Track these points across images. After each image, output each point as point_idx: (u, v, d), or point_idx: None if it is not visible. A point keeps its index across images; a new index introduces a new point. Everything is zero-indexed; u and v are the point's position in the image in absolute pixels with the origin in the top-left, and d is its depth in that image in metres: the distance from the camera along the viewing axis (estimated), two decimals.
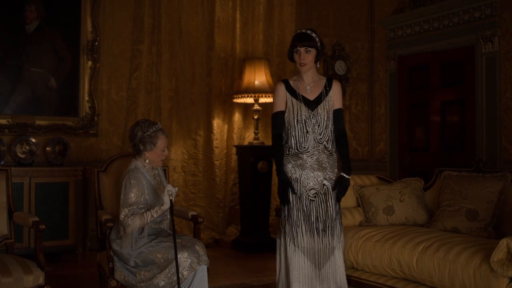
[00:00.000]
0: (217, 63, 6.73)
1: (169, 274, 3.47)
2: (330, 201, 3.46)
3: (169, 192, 3.47)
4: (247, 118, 6.88)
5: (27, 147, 5.81)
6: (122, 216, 3.53)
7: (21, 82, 5.90)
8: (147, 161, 3.71)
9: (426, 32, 6.69)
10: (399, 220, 4.30)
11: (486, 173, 4.05)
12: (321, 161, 3.49)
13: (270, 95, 6.36)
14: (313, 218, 3.44)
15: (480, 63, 6.18)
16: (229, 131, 6.81)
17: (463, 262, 3.21)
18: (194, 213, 4.09)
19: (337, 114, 3.56)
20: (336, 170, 3.52)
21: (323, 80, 3.63)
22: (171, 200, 3.49)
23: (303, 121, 3.51)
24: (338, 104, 3.57)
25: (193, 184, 6.57)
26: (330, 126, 3.52)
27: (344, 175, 3.47)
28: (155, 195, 3.68)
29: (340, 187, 3.48)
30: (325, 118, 3.51)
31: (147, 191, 3.64)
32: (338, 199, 3.50)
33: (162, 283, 3.47)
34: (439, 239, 3.55)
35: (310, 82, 3.62)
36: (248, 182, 6.38)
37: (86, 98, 6.16)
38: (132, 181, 3.58)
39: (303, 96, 3.58)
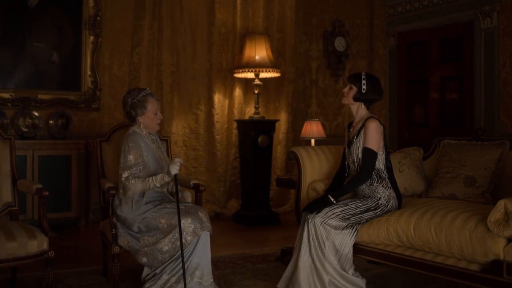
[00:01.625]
0: (217, 39, 6.77)
1: (173, 239, 3.53)
2: (349, 203, 3.67)
3: (176, 166, 3.55)
4: (248, 93, 6.93)
5: (30, 121, 5.85)
6: (124, 178, 3.59)
7: (24, 57, 5.93)
8: (141, 126, 3.77)
9: (425, 8, 6.70)
10: None
11: (485, 141, 4.09)
12: (362, 189, 3.77)
13: (271, 70, 6.40)
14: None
15: (479, 39, 6.20)
16: (230, 106, 6.86)
17: (459, 225, 3.22)
18: (196, 181, 4.15)
19: (363, 153, 3.71)
20: (375, 194, 3.72)
21: (363, 120, 3.79)
22: (175, 175, 3.58)
23: (347, 158, 3.89)
24: (366, 143, 3.70)
25: (194, 158, 6.63)
26: None
27: (330, 197, 3.68)
28: (154, 158, 3.74)
29: (318, 200, 3.75)
30: (356, 158, 3.77)
31: (145, 153, 3.70)
32: (307, 208, 3.70)
33: (166, 247, 3.54)
34: (435, 206, 3.58)
35: (355, 121, 3.88)
36: (248, 156, 6.44)
37: (88, 72, 6.19)
38: (130, 144, 3.65)
39: (348, 135, 3.92)
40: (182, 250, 3.48)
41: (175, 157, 3.60)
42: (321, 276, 3.53)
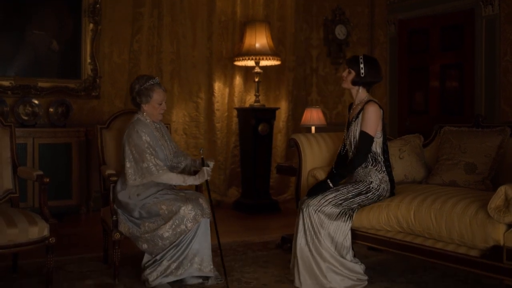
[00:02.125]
0: (217, 27, 6.74)
1: (173, 226, 3.54)
2: (340, 189, 3.67)
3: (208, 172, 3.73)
4: (248, 81, 6.91)
5: (30, 109, 5.84)
6: (147, 161, 3.60)
7: (24, 45, 5.91)
8: (144, 114, 3.77)
9: None
10: (398, 178, 4.30)
11: (486, 128, 4.08)
12: (357, 171, 3.76)
13: (271, 58, 6.37)
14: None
15: (480, 26, 6.18)
16: (230, 94, 6.84)
17: (459, 212, 3.22)
18: (196, 169, 4.16)
19: (359, 136, 3.70)
20: (367, 178, 3.72)
21: (363, 103, 3.75)
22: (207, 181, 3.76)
23: (345, 139, 3.88)
24: (363, 126, 3.68)
25: (194, 146, 6.63)
26: None
27: (329, 181, 3.70)
28: (158, 145, 3.75)
29: (317, 184, 3.77)
30: (353, 140, 3.75)
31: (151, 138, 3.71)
32: (308, 193, 3.74)
33: (166, 234, 3.55)
34: (435, 192, 3.58)
35: (355, 104, 3.85)
36: (249, 144, 6.43)
37: (88, 60, 6.17)
38: (138, 130, 3.67)
39: (348, 117, 3.90)
40: (219, 242, 3.64)
41: (208, 162, 3.83)
42: (319, 264, 3.55)
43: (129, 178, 3.65)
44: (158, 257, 3.62)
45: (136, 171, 3.63)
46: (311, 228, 3.58)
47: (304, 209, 3.61)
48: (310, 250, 3.58)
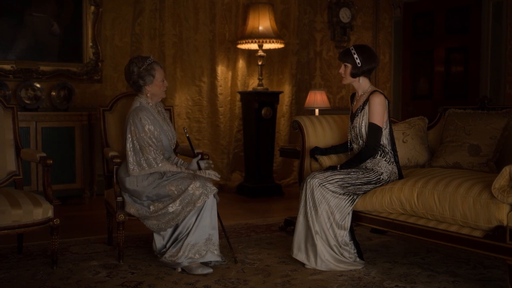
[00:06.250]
0: (220, 9, 6.67)
1: (182, 204, 3.52)
2: (351, 173, 3.66)
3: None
4: (251, 65, 6.87)
5: (32, 93, 5.83)
6: (146, 154, 3.57)
7: (24, 28, 5.86)
8: (148, 94, 3.74)
9: None
10: (401, 162, 4.28)
11: (491, 110, 4.06)
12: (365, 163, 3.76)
13: (275, 41, 6.33)
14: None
15: (487, 9, 6.10)
16: (233, 78, 6.80)
17: (463, 193, 3.20)
18: (199, 150, 4.15)
19: (368, 128, 3.69)
20: (377, 168, 3.70)
21: (367, 94, 3.74)
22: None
23: (349, 131, 3.87)
24: (371, 118, 3.67)
25: (197, 131, 6.62)
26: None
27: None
28: (162, 130, 3.73)
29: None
30: (359, 132, 3.74)
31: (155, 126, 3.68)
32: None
33: (174, 208, 3.52)
34: (439, 175, 3.57)
35: (358, 95, 3.83)
36: (252, 128, 6.42)
37: (90, 44, 6.14)
38: (141, 119, 3.61)
39: (351, 108, 3.88)
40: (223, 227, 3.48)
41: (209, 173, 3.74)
42: (312, 236, 3.58)
43: (129, 166, 3.61)
44: (183, 231, 3.59)
45: (136, 161, 3.60)
46: (310, 200, 3.60)
47: (309, 180, 3.62)
48: (307, 221, 3.61)
